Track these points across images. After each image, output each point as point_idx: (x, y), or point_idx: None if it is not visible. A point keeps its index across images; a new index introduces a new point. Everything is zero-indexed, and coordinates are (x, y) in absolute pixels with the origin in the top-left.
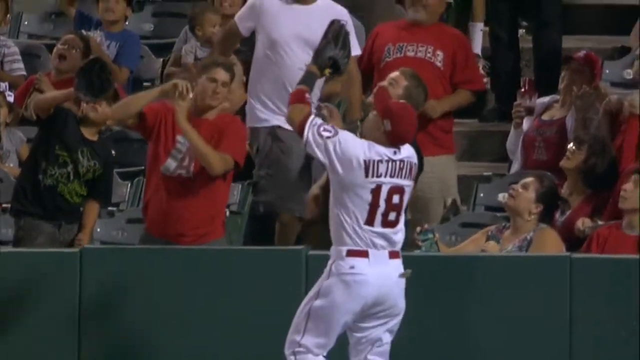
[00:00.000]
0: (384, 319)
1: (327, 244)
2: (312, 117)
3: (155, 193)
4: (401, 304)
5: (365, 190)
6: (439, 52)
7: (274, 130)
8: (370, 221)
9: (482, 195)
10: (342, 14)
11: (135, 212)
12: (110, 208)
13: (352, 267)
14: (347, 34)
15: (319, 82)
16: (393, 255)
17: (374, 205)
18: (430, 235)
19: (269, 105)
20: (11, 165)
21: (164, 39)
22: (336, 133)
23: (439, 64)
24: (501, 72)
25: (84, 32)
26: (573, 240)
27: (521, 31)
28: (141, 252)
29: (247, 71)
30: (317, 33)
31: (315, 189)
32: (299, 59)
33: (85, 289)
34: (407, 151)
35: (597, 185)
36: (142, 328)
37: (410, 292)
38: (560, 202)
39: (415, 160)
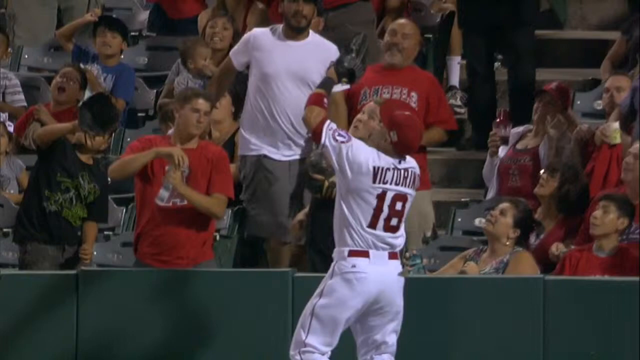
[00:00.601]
0: (386, 316)
1: (315, 268)
2: (328, 121)
3: (149, 224)
4: (399, 301)
5: (371, 195)
6: (413, 94)
7: (260, 159)
8: (373, 224)
9: (459, 220)
10: (332, 49)
11: (130, 236)
12: (106, 232)
13: (353, 266)
14: (366, 46)
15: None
16: (392, 256)
17: (377, 210)
18: (418, 261)
19: (260, 136)
20: (11, 191)
21: (157, 71)
22: (349, 139)
23: (413, 105)
24: (478, 103)
25: (81, 65)
26: (547, 263)
27: (497, 64)
28: (137, 274)
29: (234, 102)
30: (308, 68)
31: (300, 215)
32: (291, 93)
33: (82, 309)
34: (411, 161)
35: (569, 210)
36: (138, 347)
37: None
38: (535, 226)
39: (418, 170)
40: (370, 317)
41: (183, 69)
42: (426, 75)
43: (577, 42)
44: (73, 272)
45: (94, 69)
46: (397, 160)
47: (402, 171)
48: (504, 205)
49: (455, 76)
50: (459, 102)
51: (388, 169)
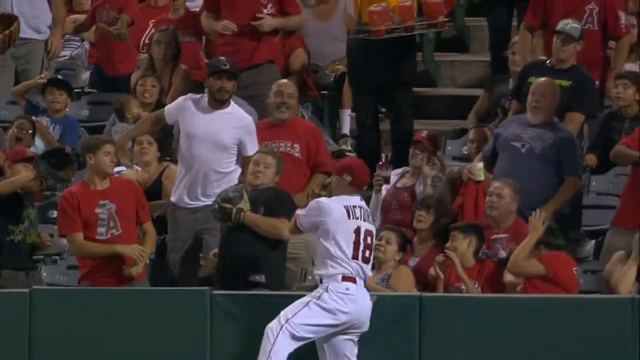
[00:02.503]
0: (353, 334)
1: (228, 287)
2: (294, 218)
3: (90, 264)
4: (368, 322)
5: (350, 231)
6: (295, 145)
7: (172, 207)
8: (355, 256)
9: None
10: (246, 119)
11: (73, 260)
12: (53, 257)
13: (347, 289)
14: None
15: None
16: (365, 285)
17: (357, 243)
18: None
19: (178, 185)
20: None
21: (97, 122)
22: (311, 205)
23: (297, 155)
24: (365, 149)
25: (33, 117)
26: (424, 283)
27: (381, 116)
28: (81, 292)
29: (160, 148)
30: (221, 134)
31: (211, 254)
32: (207, 155)
33: (34, 324)
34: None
35: (441, 237)
36: (85, 358)
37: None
38: (410, 247)
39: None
40: (341, 336)
41: (117, 120)
42: (306, 125)
43: (448, 98)
44: (25, 290)
45: (43, 120)
46: (357, 199)
47: (364, 209)
48: (388, 234)
49: (346, 126)
50: (349, 148)
51: (355, 206)
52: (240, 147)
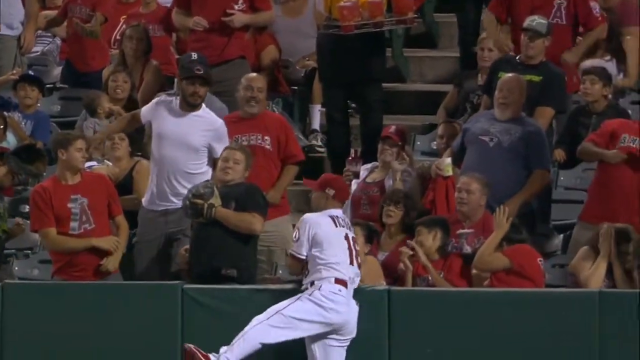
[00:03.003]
0: (343, 340)
1: (200, 281)
2: (289, 256)
3: (64, 258)
4: (355, 328)
5: (340, 238)
6: (266, 137)
7: (143, 209)
8: (351, 262)
9: None
10: (217, 122)
11: (46, 255)
12: (25, 251)
13: (340, 290)
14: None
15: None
16: (353, 291)
17: (350, 250)
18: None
19: (151, 187)
20: None
21: (68, 117)
22: (297, 230)
23: (268, 147)
24: (335, 144)
25: (4, 113)
26: (392, 276)
27: (351, 111)
28: (54, 286)
29: (131, 143)
30: (190, 136)
31: (182, 250)
32: (176, 156)
33: (6, 318)
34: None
35: (410, 231)
36: (57, 352)
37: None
38: (376, 239)
39: None
40: (333, 342)
41: (89, 116)
42: (275, 117)
43: (417, 94)
44: None
45: (15, 116)
46: (339, 211)
47: (346, 220)
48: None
49: (316, 121)
50: (319, 143)
51: (338, 217)
52: (210, 149)
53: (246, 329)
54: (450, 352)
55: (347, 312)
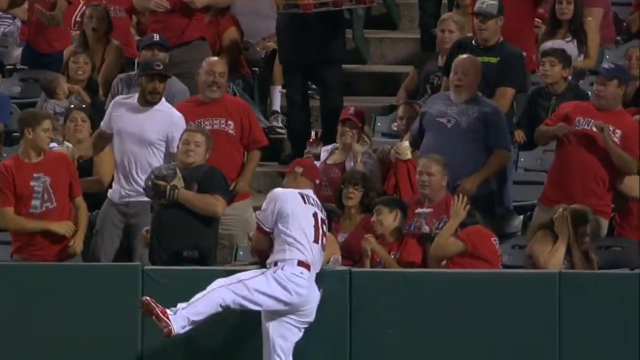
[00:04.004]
0: (302, 322)
1: (162, 262)
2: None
3: (23, 238)
4: (314, 312)
5: (308, 214)
6: (230, 122)
7: (107, 201)
8: (316, 240)
9: None
10: (175, 116)
11: (3, 236)
12: None
13: (302, 273)
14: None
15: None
16: (316, 276)
17: (316, 228)
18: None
19: (115, 181)
20: None
21: (28, 99)
22: (266, 207)
23: (231, 132)
24: (295, 126)
25: None
26: (351, 258)
27: (311, 92)
28: (12, 268)
29: (93, 126)
30: (148, 131)
31: (143, 231)
32: (135, 151)
33: None
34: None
35: (369, 211)
36: (16, 332)
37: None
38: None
39: None
40: (291, 324)
41: (48, 98)
42: (236, 102)
43: (377, 75)
44: None
45: None
46: (310, 191)
47: (317, 201)
48: None
49: (277, 102)
50: (280, 124)
51: (308, 195)
52: (168, 143)
53: (208, 289)
54: (411, 332)
55: (307, 295)
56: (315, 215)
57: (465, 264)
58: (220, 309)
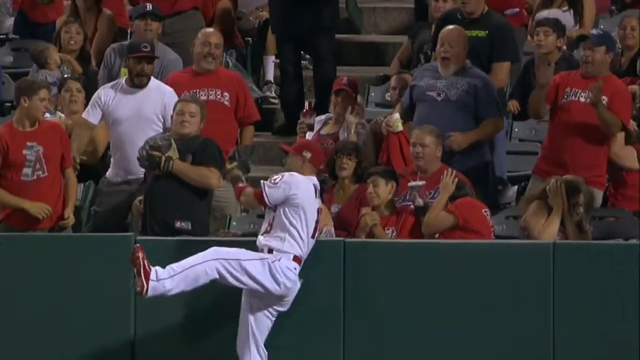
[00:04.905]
0: (276, 311)
1: (154, 233)
2: (261, 187)
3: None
4: (291, 302)
5: (314, 209)
6: (225, 94)
7: (106, 181)
8: (313, 235)
9: None
10: (168, 92)
11: None
12: None
13: (295, 269)
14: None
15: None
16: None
17: (317, 222)
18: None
19: (113, 165)
20: None
21: (20, 68)
22: (282, 177)
23: (226, 103)
24: (288, 97)
25: None
26: (346, 229)
27: (304, 62)
28: (3, 238)
29: (88, 97)
30: (146, 109)
31: (136, 201)
32: (134, 134)
33: None
34: None
35: (361, 181)
36: (7, 304)
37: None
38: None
39: None
40: (265, 312)
41: (38, 68)
42: (233, 75)
43: (370, 45)
44: None
45: None
46: (316, 179)
47: (319, 190)
48: None
49: (270, 72)
50: (273, 94)
51: (317, 187)
52: (165, 118)
53: (201, 259)
54: (405, 303)
55: (292, 288)
56: (319, 210)
57: (456, 237)
58: (206, 282)
